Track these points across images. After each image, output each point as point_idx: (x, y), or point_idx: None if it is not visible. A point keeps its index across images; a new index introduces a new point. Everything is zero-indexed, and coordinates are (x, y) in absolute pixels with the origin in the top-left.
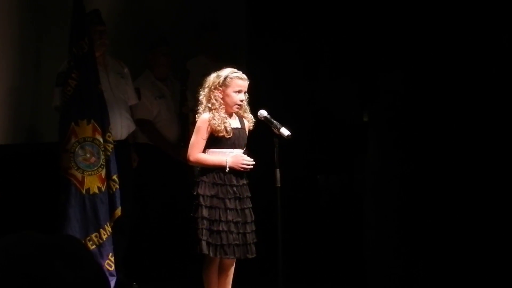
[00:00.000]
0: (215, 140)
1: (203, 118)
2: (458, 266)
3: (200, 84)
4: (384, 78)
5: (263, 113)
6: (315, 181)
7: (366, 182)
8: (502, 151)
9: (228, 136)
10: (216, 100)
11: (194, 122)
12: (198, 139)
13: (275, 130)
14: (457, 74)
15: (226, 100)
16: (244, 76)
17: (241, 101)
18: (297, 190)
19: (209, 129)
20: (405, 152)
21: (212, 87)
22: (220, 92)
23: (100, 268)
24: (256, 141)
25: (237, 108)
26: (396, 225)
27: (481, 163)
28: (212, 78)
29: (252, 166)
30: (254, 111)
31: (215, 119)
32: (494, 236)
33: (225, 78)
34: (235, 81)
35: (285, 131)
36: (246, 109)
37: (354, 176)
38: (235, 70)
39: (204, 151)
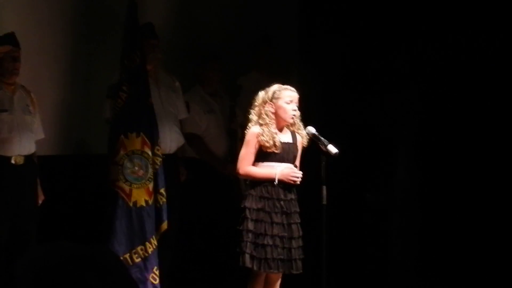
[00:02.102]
0: (264, 154)
1: (252, 132)
2: (483, 285)
3: (250, 102)
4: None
5: (311, 130)
6: (363, 199)
7: (394, 200)
8: None
9: (277, 151)
10: (267, 115)
11: (243, 138)
12: (247, 152)
13: (323, 147)
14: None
15: (278, 113)
16: (293, 88)
17: (294, 110)
18: (343, 207)
19: (257, 143)
20: (430, 169)
21: (262, 102)
22: (271, 106)
23: (133, 282)
24: (303, 157)
25: (291, 119)
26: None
27: (509, 181)
28: (261, 94)
29: (300, 179)
30: (304, 127)
31: (264, 135)
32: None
33: (274, 91)
34: (284, 92)
35: (333, 149)
36: (299, 125)
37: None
38: (283, 85)
39: (253, 165)
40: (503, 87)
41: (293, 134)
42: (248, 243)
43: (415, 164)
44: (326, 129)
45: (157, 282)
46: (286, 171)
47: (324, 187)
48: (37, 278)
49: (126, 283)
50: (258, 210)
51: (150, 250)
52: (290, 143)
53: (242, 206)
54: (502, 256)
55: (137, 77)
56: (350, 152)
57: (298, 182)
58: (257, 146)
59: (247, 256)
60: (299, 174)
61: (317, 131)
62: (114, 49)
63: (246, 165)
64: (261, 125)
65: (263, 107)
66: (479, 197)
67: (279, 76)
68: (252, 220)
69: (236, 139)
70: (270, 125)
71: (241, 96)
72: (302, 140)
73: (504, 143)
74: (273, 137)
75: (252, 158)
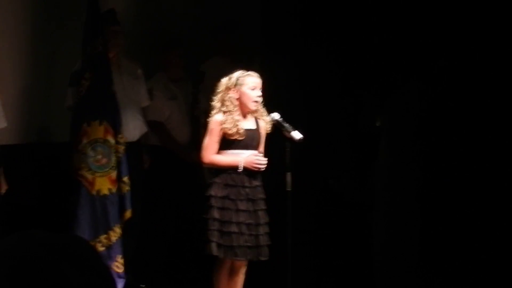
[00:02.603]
0: (228, 142)
1: (215, 120)
2: (469, 274)
3: (212, 88)
4: (398, 84)
5: (275, 116)
6: (327, 185)
7: (377, 186)
8: None
9: (240, 138)
10: (230, 102)
11: (206, 125)
12: (211, 141)
13: (287, 134)
14: (471, 81)
15: (242, 99)
16: (256, 74)
17: (258, 97)
18: (308, 194)
19: (221, 131)
20: (418, 157)
21: (226, 89)
22: (235, 92)
23: (107, 270)
24: (267, 144)
25: (255, 106)
26: (407, 231)
27: (496, 171)
28: (224, 81)
29: (265, 166)
30: (268, 113)
31: (227, 123)
32: (506, 242)
33: (238, 78)
34: (248, 78)
35: (296, 135)
36: (263, 111)
37: (366, 180)
38: (246, 70)
39: (218, 153)
40: (489, 71)
41: (256, 121)
42: (214, 232)
43: (397, 154)
44: (290, 115)
45: (121, 270)
46: (250, 158)
47: (289, 174)
48: (10, 268)
49: (101, 271)
50: (223, 198)
51: (114, 239)
52: (254, 129)
53: (207, 194)
54: (494, 245)
55: (100, 64)
56: (315, 138)
57: (263, 169)
58: (220, 134)
59: (213, 245)
60: (264, 160)
61: (281, 117)
62: (76, 36)
63: (210, 153)
64: (224, 112)
65: (226, 93)
66: (462, 190)
67: (243, 62)
68: (217, 208)
69: (199, 126)
70: (233, 112)
71: (204, 83)
72: (265, 126)
73: (487, 133)
74: (237, 125)
75: (216, 146)
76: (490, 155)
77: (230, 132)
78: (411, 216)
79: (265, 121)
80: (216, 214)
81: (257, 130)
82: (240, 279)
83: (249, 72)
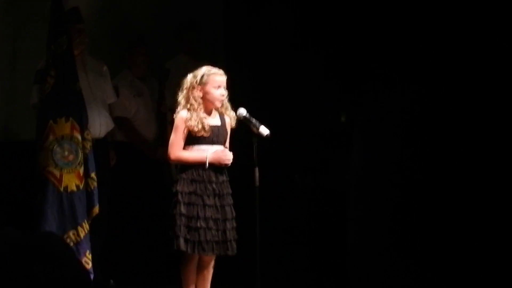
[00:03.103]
0: (194, 138)
1: (180, 116)
2: (442, 267)
3: (178, 85)
4: (367, 77)
5: (242, 112)
6: (293, 181)
7: (350, 181)
8: (489, 148)
9: (206, 135)
10: (195, 100)
11: (172, 121)
12: (176, 137)
13: (254, 129)
14: (442, 70)
15: (206, 97)
16: (221, 71)
17: (222, 95)
18: (275, 189)
19: (186, 128)
20: (390, 152)
21: (191, 87)
22: (199, 91)
23: (80, 264)
24: (235, 140)
25: (220, 104)
26: (380, 224)
27: (466, 159)
28: (189, 78)
29: (230, 161)
30: (233, 109)
31: (192, 120)
32: (481, 234)
33: (202, 76)
34: (212, 77)
35: (264, 130)
36: (227, 106)
37: (332, 175)
38: (211, 67)
39: (184, 149)
40: (462, 60)
41: (221, 116)
42: (182, 227)
43: (370, 148)
44: (256, 111)
45: (89, 266)
46: (217, 154)
47: (257, 169)
48: None
49: (74, 269)
50: (190, 193)
51: (82, 235)
52: (219, 125)
53: (173, 190)
54: (465, 236)
55: (65, 62)
56: (281, 133)
57: (229, 164)
58: (186, 130)
59: (181, 240)
60: (230, 155)
61: (247, 112)
62: (39, 34)
63: (177, 150)
64: (189, 109)
65: (191, 92)
66: (445, 175)
67: (207, 59)
68: (184, 203)
69: (166, 122)
70: (198, 110)
71: (169, 80)
72: (230, 122)
73: (466, 119)
74: (202, 122)
75: (181, 143)
76: (464, 146)
77: (195, 129)
78: (385, 206)
79: (230, 117)
80: (183, 209)
81: (222, 126)
82: (208, 274)
83: (214, 70)
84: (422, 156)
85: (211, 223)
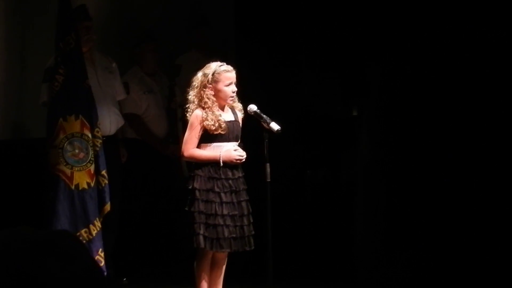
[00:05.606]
0: (210, 136)
1: (196, 114)
2: (447, 261)
3: (189, 81)
4: (374, 71)
5: (252, 107)
6: (304, 176)
7: (358, 176)
8: (494, 149)
9: (223, 132)
10: (208, 98)
11: (182, 118)
12: (191, 135)
13: (265, 125)
14: (447, 68)
15: (218, 95)
16: (230, 67)
17: (234, 92)
18: (287, 184)
19: (202, 126)
20: (396, 146)
21: (202, 85)
22: (211, 89)
23: (94, 261)
24: (246, 135)
25: (231, 101)
26: (386, 220)
27: (473, 158)
28: (200, 77)
29: (244, 159)
30: (243, 106)
31: (208, 119)
32: (485, 233)
33: (213, 74)
34: (223, 74)
35: (275, 126)
36: (235, 99)
37: (343, 170)
38: (220, 63)
39: (198, 145)
40: (466, 60)
41: (233, 110)
42: (201, 224)
43: (378, 141)
44: (266, 106)
45: (102, 264)
46: (229, 153)
47: (268, 165)
48: None
49: (88, 266)
50: (207, 190)
51: (94, 233)
52: (233, 120)
53: (189, 187)
54: (471, 231)
55: (73, 60)
56: (292, 129)
57: (242, 161)
58: (201, 129)
59: (200, 237)
60: (242, 153)
61: (258, 108)
62: (47, 33)
63: (191, 148)
64: (203, 108)
65: (203, 91)
66: (450, 172)
67: (218, 54)
68: (202, 201)
69: (176, 119)
70: (213, 107)
71: (180, 76)
72: (242, 116)
73: (469, 117)
74: (218, 120)
75: (196, 141)
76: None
77: (213, 128)
78: (389, 205)
79: (241, 111)
80: (201, 207)
81: (236, 121)
82: (222, 271)
83: (224, 67)
84: (429, 151)
85: (228, 220)
